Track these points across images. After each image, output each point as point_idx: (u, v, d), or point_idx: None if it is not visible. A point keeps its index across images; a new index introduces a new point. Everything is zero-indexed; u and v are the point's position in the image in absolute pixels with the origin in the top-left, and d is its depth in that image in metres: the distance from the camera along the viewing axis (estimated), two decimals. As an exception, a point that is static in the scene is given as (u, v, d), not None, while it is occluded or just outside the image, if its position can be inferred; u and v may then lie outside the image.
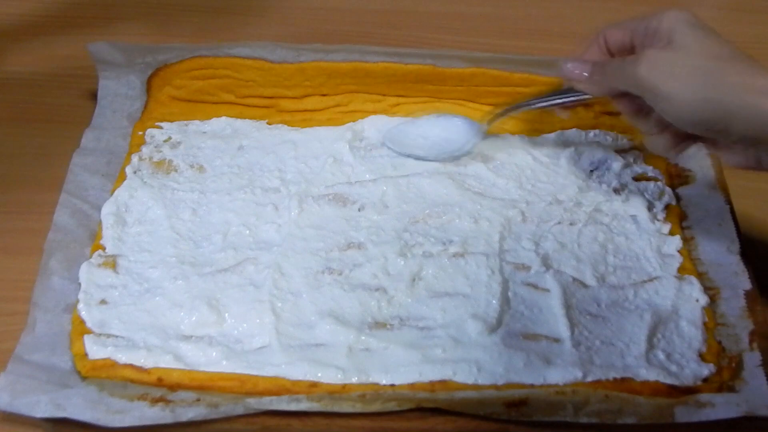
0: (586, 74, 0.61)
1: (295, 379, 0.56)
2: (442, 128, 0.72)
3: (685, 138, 0.58)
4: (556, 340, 0.59)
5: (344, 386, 0.55)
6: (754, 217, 0.70)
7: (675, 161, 0.71)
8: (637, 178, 0.70)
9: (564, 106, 0.68)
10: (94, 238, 0.64)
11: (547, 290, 0.61)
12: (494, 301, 0.60)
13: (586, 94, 0.63)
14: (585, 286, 0.62)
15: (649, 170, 0.70)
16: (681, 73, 0.54)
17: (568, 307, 0.60)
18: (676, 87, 0.53)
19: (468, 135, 0.71)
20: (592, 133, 0.73)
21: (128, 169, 0.69)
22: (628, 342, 0.58)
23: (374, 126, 0.73)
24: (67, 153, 0.69)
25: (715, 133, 0.55)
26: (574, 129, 0.74)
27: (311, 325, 0.59)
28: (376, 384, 0.56)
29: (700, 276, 0.63)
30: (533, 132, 0.74)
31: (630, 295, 0.61)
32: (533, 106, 0.69)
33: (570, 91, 0.65)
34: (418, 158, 0.70)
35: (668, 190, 0.69)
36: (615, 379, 0.56)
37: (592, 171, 0.70)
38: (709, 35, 0.55)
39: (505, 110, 0.70)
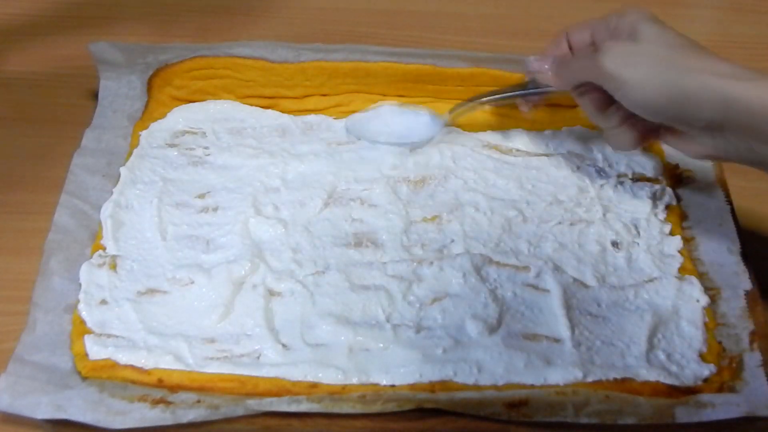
0: (547, 66, 0.64)
1: (295, 380, 0.56)
2: (405, 118, 0.73)
3: (646, 131, 0.60)
4: (557, 341, 0.59)
5: (344, 387, 0.55)
6: (754, 217, 0.70)
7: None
8: (637, 179, 0.70)
9: (528, 102, 0.69)
10: (94, 238, 0.64)
11: (548, 290, 0.61)
12: (493, 302, 0.60)
13: (549, 88, 0.65)
14: (585, 286, 0.62)
15: (650, 170, 0.70)
16: (641, 61, 0.56)
17: (568, 307, 0.60)
18: (636, 73, 0.55)
19: (429, 127, 0.72)
20: (594, 133, 0.73)
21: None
22: (629, 342, 0.58)
23: (375, 126, 0.74)
24: (68, 153, 0.69)
25: (676, 119, 0.56)
26: (578, 126, 0.74)
27: (311, 325, 0.59)
28: (377, 384, 0.56)
29: (701, 276, 0.63)
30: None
31: (630, 296, 0.61)
32: (495, 99, 0.71)
33: (533, 85, 0.67)
34: (376, 143, 0.72)
35: (668, 190, 0.69)
36: (615, 380, 0.56)
37: (595, 170, 0.70)
38: (667, 29, 0.58)
39: (465, 102, 0.72)
